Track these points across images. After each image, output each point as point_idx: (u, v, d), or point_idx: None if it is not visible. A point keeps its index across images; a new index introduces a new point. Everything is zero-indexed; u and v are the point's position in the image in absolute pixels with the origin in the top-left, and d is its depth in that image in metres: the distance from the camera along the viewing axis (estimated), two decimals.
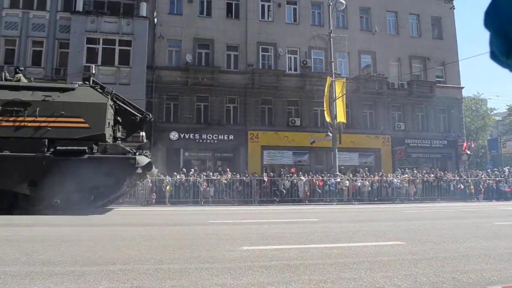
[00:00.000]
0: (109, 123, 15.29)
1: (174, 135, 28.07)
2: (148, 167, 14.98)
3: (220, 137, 29.02)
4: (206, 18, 30.67)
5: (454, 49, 35.34)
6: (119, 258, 6.64)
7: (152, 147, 27.41)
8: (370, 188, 25.69)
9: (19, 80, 15.98)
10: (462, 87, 35.66)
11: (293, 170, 26.48)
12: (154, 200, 22.13)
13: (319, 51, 32.11)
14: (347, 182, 25.38)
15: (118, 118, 16.81)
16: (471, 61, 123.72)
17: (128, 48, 27.24)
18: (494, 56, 1.24)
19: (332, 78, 27.07)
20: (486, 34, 1.24)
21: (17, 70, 16.88)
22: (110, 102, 15.55)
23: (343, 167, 29.57)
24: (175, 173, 24.04)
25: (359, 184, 25.61)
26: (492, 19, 1.20)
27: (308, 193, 24.63)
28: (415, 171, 28.37)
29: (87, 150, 14.22)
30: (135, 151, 14.97)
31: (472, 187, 27.50)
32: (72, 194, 13.90)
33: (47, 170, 13.62)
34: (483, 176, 29.37)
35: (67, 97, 14.77)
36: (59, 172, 13.52)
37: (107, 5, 28.67)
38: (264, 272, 5.55)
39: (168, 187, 22.66)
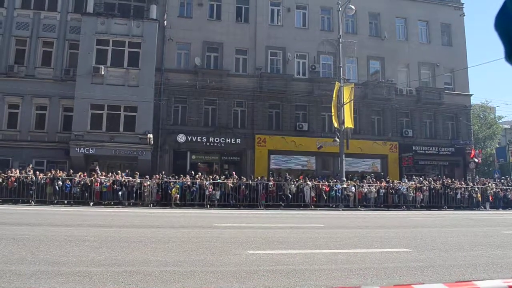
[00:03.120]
0: None
1: (181, 138, 28.06)
2: None
3: (227, 140, 29.00)
4: (216, 22, 30.71)
5: (463, 56, 35.06)
6: (124, 259, 6.65)
7: (159, 149, 27.57)
8: (376, 195, 25.56)
9: None
10: (471, 95, 35.46)
11: (301, 177, 26.30)
12: (160, 202, 22.11)
13: (328, 56, 32.03)
14: (353, 188, 25.28)
15: None
16: (480, 68, 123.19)
17: (137, 50, 27.30)
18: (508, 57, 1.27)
19: (341, 83, 26.97)
20: (495, 42, 1.28)
21: None
22: None
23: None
24: (181, 175, 24.01)
25: (366, 190, 25.50)
26: (499, 21, 1.25)
27: (314, 199, 24.52)
28: (421, 179, 28.16)
29: None
30: None
31: (479, 195, 27.29)
32: None
33: None
34: (490, 184, 29.15)
35: None
36: None
37: (117, 7, 28.77)
38: (270, 277, 5.54)
39: (174, 190, 22.62)
